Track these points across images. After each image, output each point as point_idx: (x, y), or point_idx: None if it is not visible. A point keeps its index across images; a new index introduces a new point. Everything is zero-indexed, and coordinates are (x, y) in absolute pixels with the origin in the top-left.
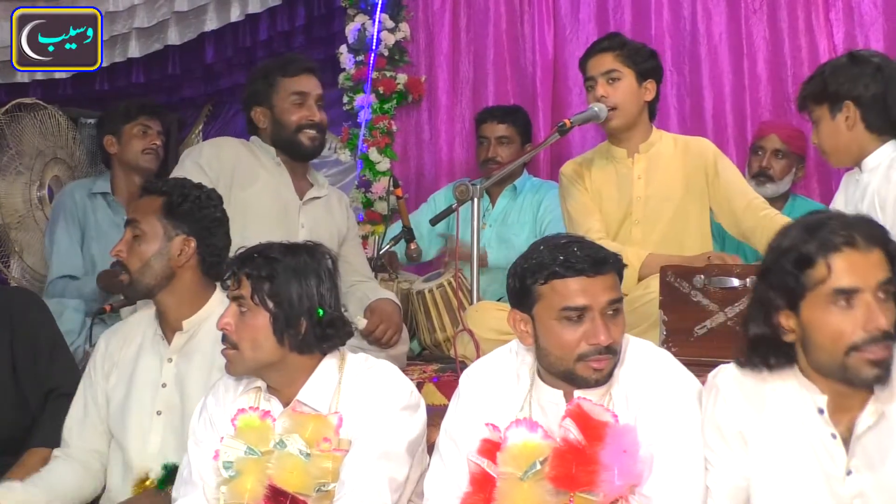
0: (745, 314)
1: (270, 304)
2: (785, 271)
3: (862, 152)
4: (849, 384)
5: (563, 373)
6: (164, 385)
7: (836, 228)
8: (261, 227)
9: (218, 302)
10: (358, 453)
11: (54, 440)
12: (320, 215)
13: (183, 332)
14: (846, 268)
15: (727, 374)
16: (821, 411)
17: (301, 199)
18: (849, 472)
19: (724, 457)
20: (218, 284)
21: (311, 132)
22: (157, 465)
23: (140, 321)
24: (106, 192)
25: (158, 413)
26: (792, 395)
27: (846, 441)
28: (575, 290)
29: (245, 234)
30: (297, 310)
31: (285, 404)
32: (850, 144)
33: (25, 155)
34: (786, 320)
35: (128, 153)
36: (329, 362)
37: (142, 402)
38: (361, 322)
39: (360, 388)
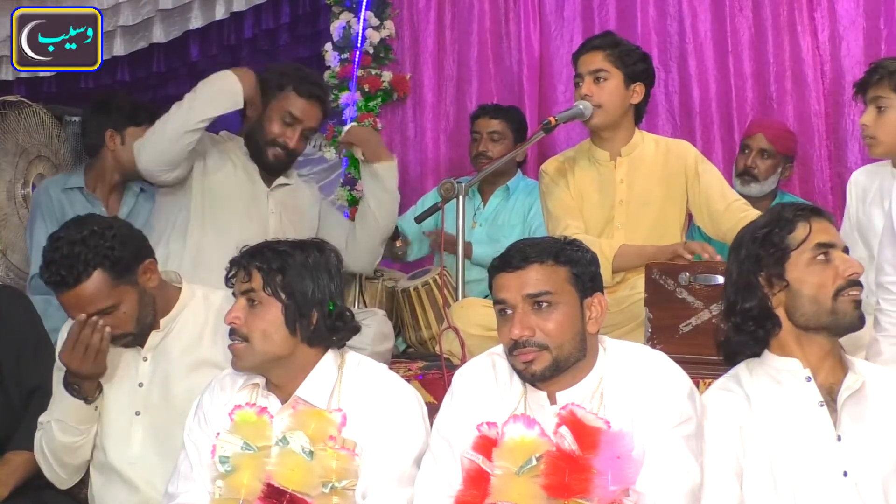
0: (730, 299)
1: (283, 296)
2: (770, 241)
3: None
4: (836, 330)
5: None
6: (140, 385)
7: (802, 204)
8: (230, 211)
9: (189, 295)
10: (378, 480)
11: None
12: (289, 202)
13: (159, 330)
14: (821, 228)
15: (713, 390)
16: (808, 379)
17: (269, 187)
18: (839, 438)
19: (724, 450)
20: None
21: (279, 151)
22: (139, 467)
23: None
24: (80, 186)
25: (137, 413)
26: (770, 380)
27: (830, 410)
28: (499, 285)
29: (215, 217)
30: (310, 302)
31: (284, 401)
32: None
33: (9, 153)
34: (773, 286)
35: (126, 156)
36: (328, 360)
37: (119, 403)
38: None
39: (367, 395)
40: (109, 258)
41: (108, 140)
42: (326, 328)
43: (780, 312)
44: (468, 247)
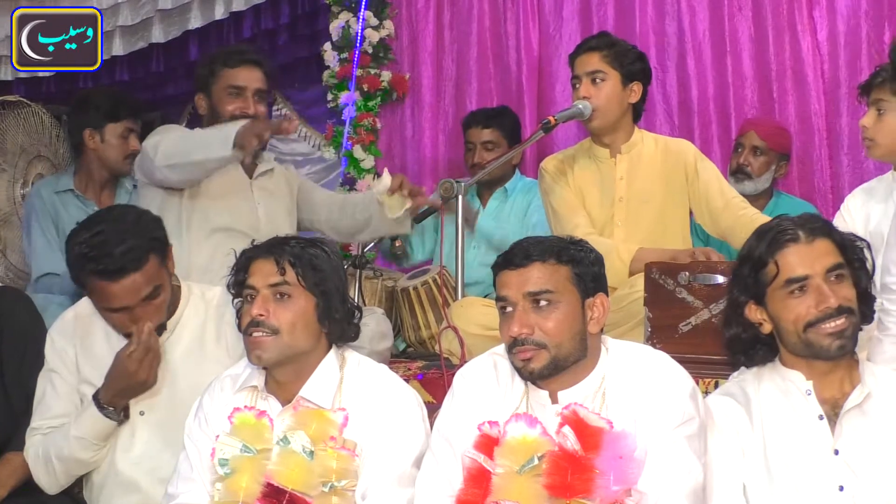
0: (721, 320)
1: (318, 291)
2: (745, 275)
3: None
4: (818, 358)
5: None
6: None
7: (783, 228)
8: (219, 201)
9: (188, 292)
10: (378, 480)
11: None
12: (271, 188)
13: (166, 331)
14: (793, 260)
15: (714, 396)
16: (808, 392)
17: (251, 177)
18: (836, 452)
19: (726, 456)
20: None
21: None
22: (142, 467)
23: (93, 314)
24: (71, 188)
25: (141, 413)
26: (776, 389)
27: (831, 423)
28: (501, 283)
29: (207, 205)
30: (337, 296)
31: (284, 403)
32: None
33: (9, 153)
34: (757, 315)
35: (108, 154)
36: (331, 359)
37: None
38: (386, 178)
39: (368, 396)
40: (158, 240)
41: (87, 140)
42: (347, 322)
43: (776, 336)
44: (475, 215)
